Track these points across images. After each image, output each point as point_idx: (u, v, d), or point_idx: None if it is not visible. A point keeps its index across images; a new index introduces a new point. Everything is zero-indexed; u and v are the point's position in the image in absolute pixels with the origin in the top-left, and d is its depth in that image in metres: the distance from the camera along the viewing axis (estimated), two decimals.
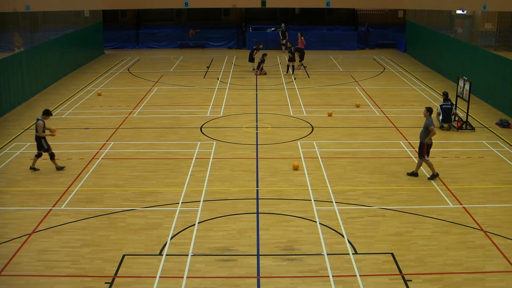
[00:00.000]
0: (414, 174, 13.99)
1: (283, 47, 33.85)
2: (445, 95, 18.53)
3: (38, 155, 14.42)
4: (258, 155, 15.57)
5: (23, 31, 28.60)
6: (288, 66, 27.30)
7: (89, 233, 11.06)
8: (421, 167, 14.18)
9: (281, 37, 34.51)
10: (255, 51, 27.84)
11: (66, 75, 26.96)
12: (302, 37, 30.74)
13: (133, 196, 12.86)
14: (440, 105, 18.08)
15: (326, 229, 11.20)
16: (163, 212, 12.00)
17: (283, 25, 34.68)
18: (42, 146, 14.26)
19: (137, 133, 17.65)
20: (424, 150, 13.63)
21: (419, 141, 13.90)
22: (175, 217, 11.71)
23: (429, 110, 13.81)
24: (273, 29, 36.77)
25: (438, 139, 17.14)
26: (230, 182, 13.65)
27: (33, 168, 14.40)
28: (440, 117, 17.86)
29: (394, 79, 26.34)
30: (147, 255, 10.24)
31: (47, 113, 14.49)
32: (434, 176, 13.77)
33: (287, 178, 13.92)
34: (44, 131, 14.17)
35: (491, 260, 10.02)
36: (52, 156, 14.41)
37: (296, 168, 14.36)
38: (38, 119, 14.23)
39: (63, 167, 14.48)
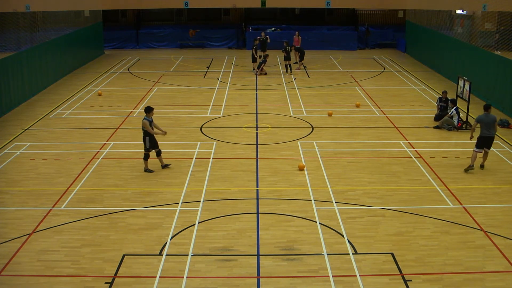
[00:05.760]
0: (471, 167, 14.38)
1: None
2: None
3: (158, 153, 14.32)
4: (258, 155, 15.57)
5: (23, 31, 28.63)
6: (286, 65, 27.28)
7: (89, 233, 11.06)
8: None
9: (259, 49, 28.38)
10: (254, 48, 27.75)
11: (66, 75, 26.97)
12: (299, 37, 30.33)
13: (133, 196, 12.86)
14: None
15: (326, 229, 11.20)
16: (163, 212, 12.00)
17: (263, 33, 29.77)
18: (145, 144, 14.15)
19: (137, 133, 17.59)
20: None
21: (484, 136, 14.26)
22: (175, 217, 11.71)
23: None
24: (273, 29, 36.74)
25: (438, 139, 17.16)
26: (230, 182, 13.65)
27: (148, 170, 14.23)
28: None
29: (394, 79, 26.34)
30: (147, 255, 10.24)
31: (147, 110, 14.09)
32: (470, 167, 14.20)
33: (287, 178, 13.92)
34: (152, 129, 14.06)
35: (491, 260, 10.02)
36: (158, 153, 14.33)
37: (301, 169, 14.35)
38: (143, 119, 14.08)
39: (169, 165, 14.48)
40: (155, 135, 14.27)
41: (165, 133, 14.59)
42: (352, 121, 19.08)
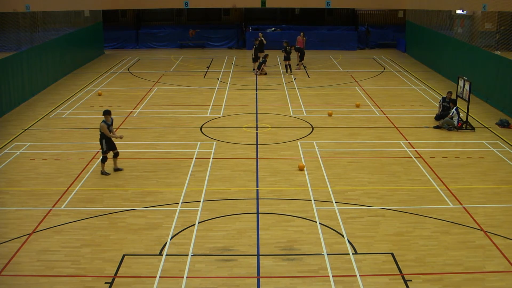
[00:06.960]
0: None
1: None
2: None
3: (115, 155, 14.21)
4: (258, 155, 15.57)
5: (23, 31, 28.60)
6: (286, 66, 27.27)
7: (89, 233, 11.06)
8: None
9: (258, 51, 27.58)
10: (255, 48, 27.73)
11: (66, 75, 26.96)
12: (304, 38, 30.16)
13: (133, 196, 12.86)
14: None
15: (326, 229, 11.20)
16: (163, 212, 12.00)
17: (260, 34, 29.21)
18: (102, 147, 14.00)
19: (137, 133, 17.65)
20: None
21: None
22: (175, 217, 11.71)
23: None
24: (273, 29, 36.74)
25: (438, 139, 17.16)
26: (230, 182, 13.65)
27: (104, 173, 14.10)
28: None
29: (394, 79, 26.34)
30: (147, 255, 10.24)
31: (105, 113, 14.05)
32: None
33: (287, 178, 13.92)
34: (111, 132, 13.98)
35: (491, 260, 10.03)
36: (115, 155, 14.20)
37: (301, 169, 14.36)
38: (101, 122, 13.99)
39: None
40: (112, 138, 14.14)
41: (121, 137, 14.40)
42: (352, 121, 19.08)
